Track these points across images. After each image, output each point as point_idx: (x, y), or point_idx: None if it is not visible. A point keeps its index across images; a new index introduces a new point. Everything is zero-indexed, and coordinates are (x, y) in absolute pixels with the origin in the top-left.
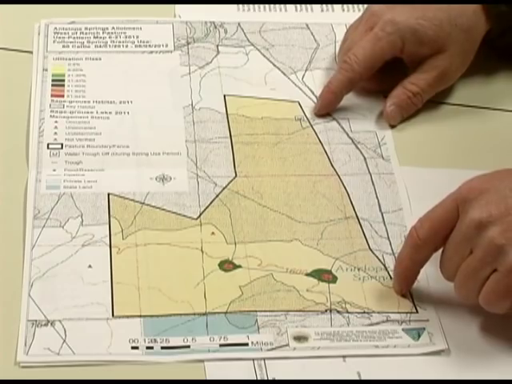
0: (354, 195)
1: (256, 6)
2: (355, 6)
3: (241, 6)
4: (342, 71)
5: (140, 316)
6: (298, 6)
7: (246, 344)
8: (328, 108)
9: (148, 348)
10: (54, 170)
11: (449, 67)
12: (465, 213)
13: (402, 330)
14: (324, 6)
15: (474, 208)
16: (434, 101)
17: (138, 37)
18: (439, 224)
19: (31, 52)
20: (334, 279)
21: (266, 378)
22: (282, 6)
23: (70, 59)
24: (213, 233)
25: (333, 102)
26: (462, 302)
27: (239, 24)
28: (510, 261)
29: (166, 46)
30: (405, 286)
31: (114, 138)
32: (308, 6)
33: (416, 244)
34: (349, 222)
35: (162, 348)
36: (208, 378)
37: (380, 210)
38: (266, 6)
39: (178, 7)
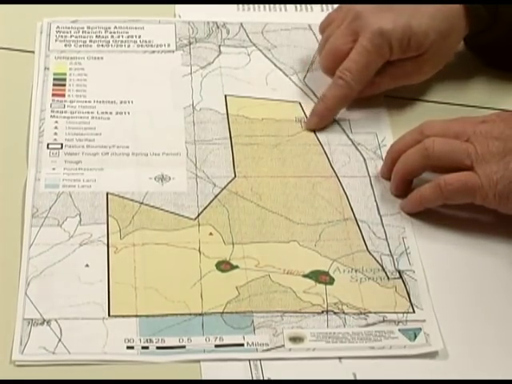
0: (353, 197)
1: (256, 5)
2: None
3: (241, 5)
4: (338, 87)
5: (136, 316)
6: (298, 5)
7: (242, 344)
8: (324, 124)
9: (143, 348)
10: (54, 169)
11: (417, 70)
12: None
13: (399, 330)
14: (324, 5)
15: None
16: (436, 101)
17: (140, 36)
18: None
19: (33, 52)
20: (331, 281)
21: (261, 379)
22: (282, 5)
23: (71, 58)
24: (211, 233)
25: (328, 118)
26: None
27: (242, 24)
28: None
29: (168, 45)
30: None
31: (114, 138)
32: (308, 5)
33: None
34: (347, 223)
35: (158, 348)
36: (204, 378)
37: (379, 212)
38: (266, 5)
39: (178, 7)
